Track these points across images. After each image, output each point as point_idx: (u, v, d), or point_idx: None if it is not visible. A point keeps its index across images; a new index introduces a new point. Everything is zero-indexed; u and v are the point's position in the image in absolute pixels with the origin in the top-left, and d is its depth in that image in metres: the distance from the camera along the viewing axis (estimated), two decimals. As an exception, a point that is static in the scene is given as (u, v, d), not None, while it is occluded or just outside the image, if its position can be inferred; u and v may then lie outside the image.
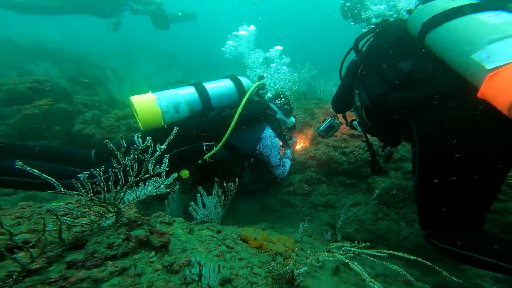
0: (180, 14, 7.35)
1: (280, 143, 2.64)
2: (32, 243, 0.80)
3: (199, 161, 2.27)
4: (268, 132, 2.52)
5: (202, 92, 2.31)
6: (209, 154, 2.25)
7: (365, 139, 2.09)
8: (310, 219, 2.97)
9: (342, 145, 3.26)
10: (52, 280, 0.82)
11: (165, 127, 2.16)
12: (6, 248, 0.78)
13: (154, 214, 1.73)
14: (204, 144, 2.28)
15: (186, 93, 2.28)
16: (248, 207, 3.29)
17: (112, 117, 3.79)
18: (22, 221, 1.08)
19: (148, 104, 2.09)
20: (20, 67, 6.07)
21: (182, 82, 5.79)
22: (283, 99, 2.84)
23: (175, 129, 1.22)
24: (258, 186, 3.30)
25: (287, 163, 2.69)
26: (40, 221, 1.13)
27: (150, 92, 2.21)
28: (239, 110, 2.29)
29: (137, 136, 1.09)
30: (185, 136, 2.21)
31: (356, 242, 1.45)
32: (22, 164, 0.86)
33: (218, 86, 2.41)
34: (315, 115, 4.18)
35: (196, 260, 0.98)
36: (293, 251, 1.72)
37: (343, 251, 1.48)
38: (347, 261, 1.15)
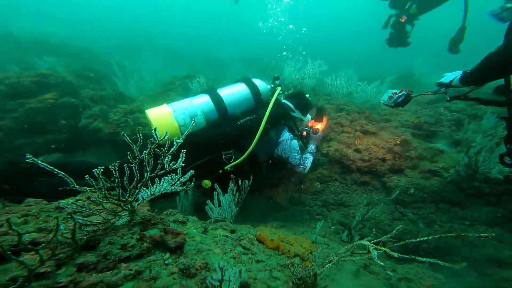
0: None
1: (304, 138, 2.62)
2: (43, 245, 0.72)
3: (220, 171, 2.23)
4: (286, 135, 2.47)
5: (218, 101, 2.25)
6: (231, 165, 2.22)
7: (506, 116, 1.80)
8: (322, 218, 2.88)
9: (356, 142, 3.15)
10: (61, 285, 0.74)
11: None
12: (12, 250, 0.70)
13: (166, 212, 1.65)
14: (223, 153, 2.24)
15: (201, 103, 2.22)
16: (257, 205, 3.20)
17: (119, 112, 3.71)
18: (30, 219, 1.01)
19: (164, 118, 2.05)
20: (22, 62, 6.01)
21: (189, 78, 5.70)
22: (300, 97, 2.75)
23: (183, 135, 1.16)
24: (267, 184, 3.21)
25: (309, 159, 2.62)
26: (49, 219, 1.05)
27: (165, 104, 2.16)
28: (264, 121, 2.23)
29: (154, 129, 1.02)
30: (204, 147, 2.18)
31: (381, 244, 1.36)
32: (33, 158, 0.78)
33: (233, 93, 2.35)
34: (325, 111, 4.07)
35: (219, 266, 0.90)
36: (311, 253, 1.64)
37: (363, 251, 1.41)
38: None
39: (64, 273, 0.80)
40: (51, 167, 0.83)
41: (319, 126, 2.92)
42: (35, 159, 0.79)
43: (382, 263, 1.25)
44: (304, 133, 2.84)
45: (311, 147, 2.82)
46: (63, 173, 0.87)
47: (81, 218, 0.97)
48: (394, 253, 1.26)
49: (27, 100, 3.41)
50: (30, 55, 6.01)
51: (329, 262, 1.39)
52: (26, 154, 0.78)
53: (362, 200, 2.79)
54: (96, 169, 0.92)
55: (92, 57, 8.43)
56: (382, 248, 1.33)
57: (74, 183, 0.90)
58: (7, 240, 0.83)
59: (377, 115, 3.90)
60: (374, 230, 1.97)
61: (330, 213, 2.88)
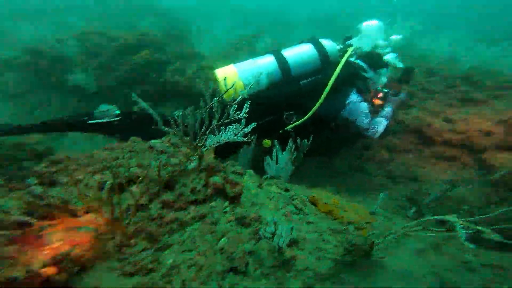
0: None
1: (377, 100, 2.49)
2: (140, 178, 0.94)
3: (280, 131, 2.32)
4: (353, 97, 2.39)
5: (282, 61, 2.28)
6: (292, 125, 2.30)
7: None
8: (384, 190, 2.65)
9: (447, 111, 2.60)
10: (153, 217, 0.97)
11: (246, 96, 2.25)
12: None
13: (227, 163, 1.82)
14: (285, 113, 2.32)
15: (265, 63, 2.29)
16: (314, 168, 3.14)
17: (193, 67, 4.14)
18: (133, 155, 1.30)
19: (231, 78, 2.20)
20: (129, 22, 7.11)
21: (255, 37, 5.73)
22: (375, 56, 2.50)
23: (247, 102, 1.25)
24: (328, 147, 3.08)
25: (382, 123, 2.44)
26: (145, 157, 1.31)
27: (232, 64, 2.31)
28: (331, 81, 2.21)
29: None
30: (266, 108, 2.27)
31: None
32: (137, 98, 1.09)
33: (298, 53, 2.33)
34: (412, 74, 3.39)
35: (272, 220, 0.97)
36: (369, 223, 1.57)
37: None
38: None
39: (153, 207, 1.03)
40: (150, 109, 1.07)
41: (401, 89, 2.53)
42: (139, 99, 1.02)
43: (470, 245, 1.04)
44: (381, 94, 2.53)
45: (387, 110, 2.52)
46: (157, 115, 1.10)
47: (165, 158, 1.17)
48: (494, 236, 1.01)
49: (132, 56, 4.19)
50: (136, 17, 7.14)
51: (393, 233, 1.31)
52: (133, 93, 1.00)
53: (442, 176, 2.41)
54: (176, 111, 1.10)
55: (177, 17, 9.15)
56: (476, 227, 1.09)
57: (162, 124, 1.11)
58: (121, 172, 1.12)
59: (492, 82, 3.05)
60: (465, 207, 1.67)
61: (395, 186, 2.63)
